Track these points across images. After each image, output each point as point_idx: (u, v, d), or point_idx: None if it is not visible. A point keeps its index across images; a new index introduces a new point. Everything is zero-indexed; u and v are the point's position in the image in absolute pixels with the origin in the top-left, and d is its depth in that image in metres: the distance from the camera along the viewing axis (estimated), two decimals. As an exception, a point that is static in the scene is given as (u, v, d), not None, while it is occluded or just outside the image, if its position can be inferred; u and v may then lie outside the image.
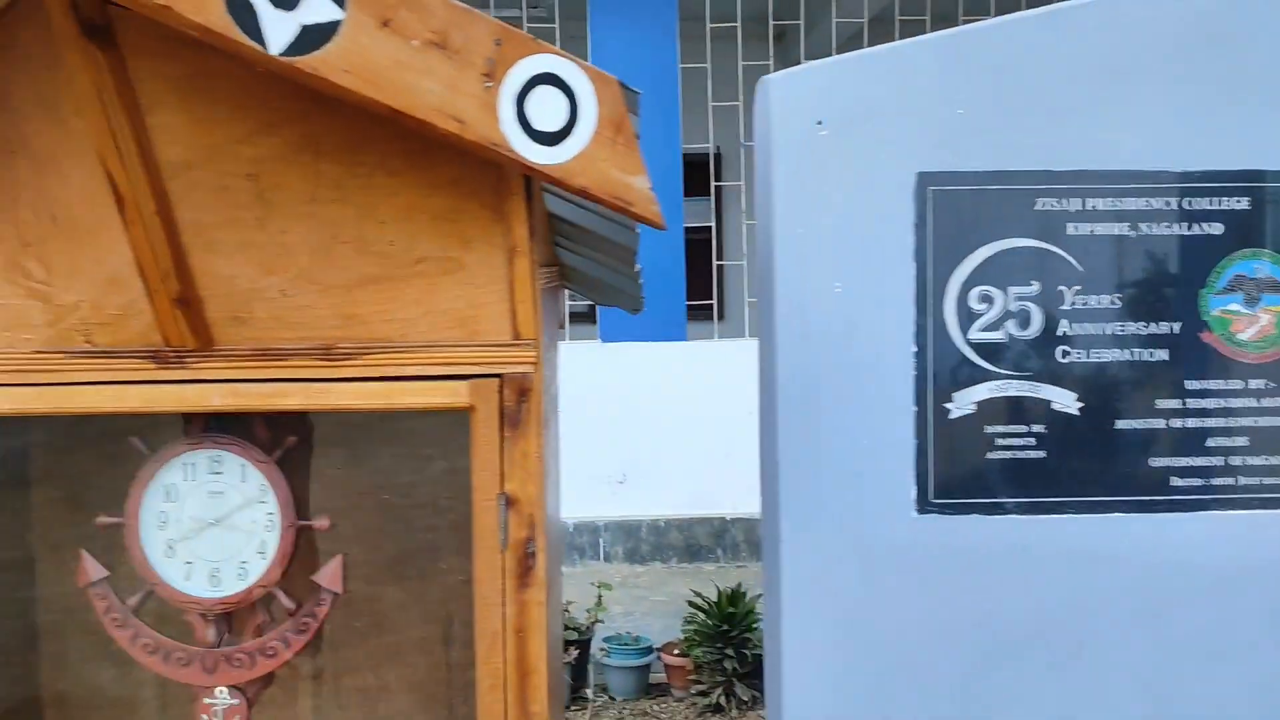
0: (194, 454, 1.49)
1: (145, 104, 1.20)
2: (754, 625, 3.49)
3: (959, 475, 1.36)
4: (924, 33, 4.48)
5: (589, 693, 3.51)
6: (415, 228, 1.33)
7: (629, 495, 5.67)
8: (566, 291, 2.19)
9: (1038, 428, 1.36)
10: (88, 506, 1.55)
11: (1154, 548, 1.36)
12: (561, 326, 2.03)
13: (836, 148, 1.36)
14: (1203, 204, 1.36)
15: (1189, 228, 1.36)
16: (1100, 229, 1.36)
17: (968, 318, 1.36)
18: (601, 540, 5.65)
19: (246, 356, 1.35)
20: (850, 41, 6.44)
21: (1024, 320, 1.36)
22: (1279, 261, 1.36)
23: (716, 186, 5.59)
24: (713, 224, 5.67)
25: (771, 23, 5.37)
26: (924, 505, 1.36)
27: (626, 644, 3.76)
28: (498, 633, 1.39)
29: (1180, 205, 1.35)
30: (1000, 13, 5.06)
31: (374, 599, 1.81)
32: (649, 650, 3.76)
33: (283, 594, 1.49)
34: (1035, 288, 1.36)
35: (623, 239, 1.72)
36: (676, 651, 3.70)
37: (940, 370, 1.36)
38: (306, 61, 1.05)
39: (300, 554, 1.49)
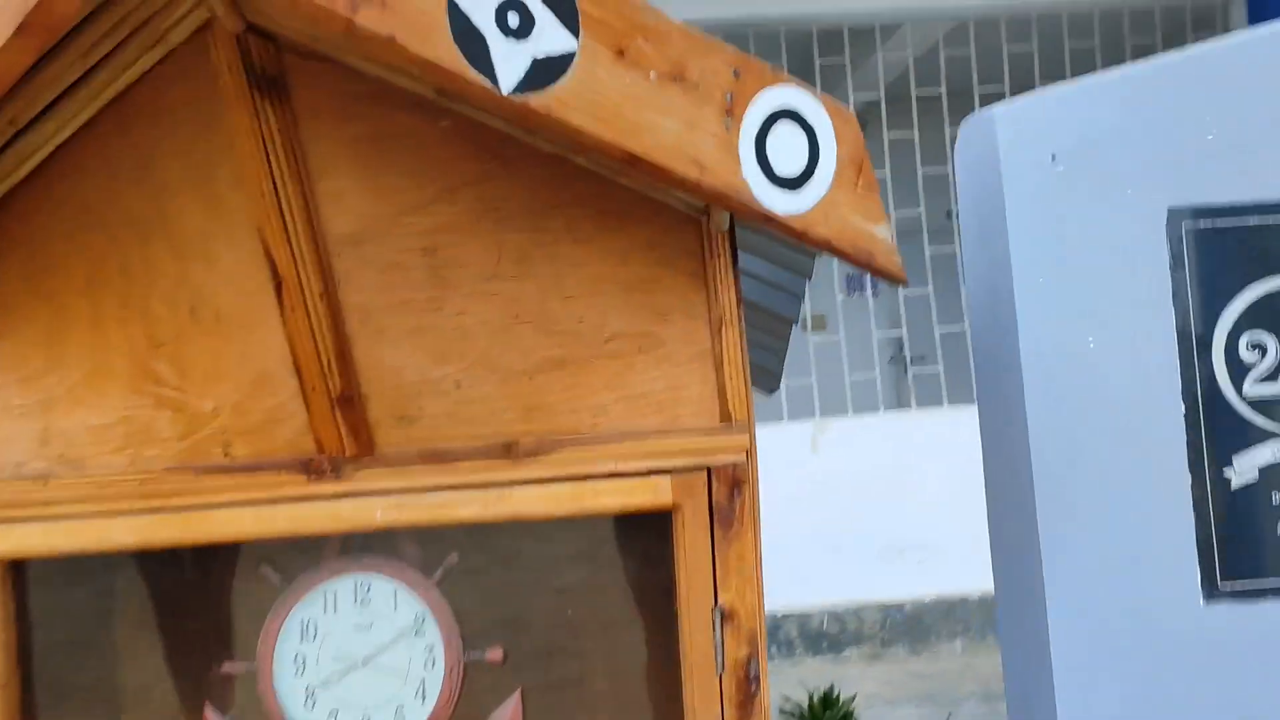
0: (336, 581, 1.28)
1: (316, 170, 1.01)
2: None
3: (1249, 555, 1.17)
4: (941, 109, 4.40)
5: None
6: (606, 301, 1.15)
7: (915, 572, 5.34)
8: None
9: (1337, 492, 1.18)
10: (211, 652, 1.32)
11: None
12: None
13: (1074, 184, 1.20)
14: None
15: None
16: (1382, 260, 1.20)
17: (1240, 369, 1.18)
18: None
19: (413, 461, 1.15)
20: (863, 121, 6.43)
21: (1306, 369, 1.19)
22: None
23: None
24: (929, 288, 5.44)
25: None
26: (1211, 593, 1.17)
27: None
28: (720, 773, 1.17)
29: None
30: (1013, 78, 5.00)
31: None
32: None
33: (452, 743, 1.26)
34: (1314, 331, 1.19)
35: (787, 310, 1.54)
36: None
37: (1214, 432, 1.18)
38: (540, 100, 0.88)
39: (468, 693, 1.27)
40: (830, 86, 6.26)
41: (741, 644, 1.18)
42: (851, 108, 5.88)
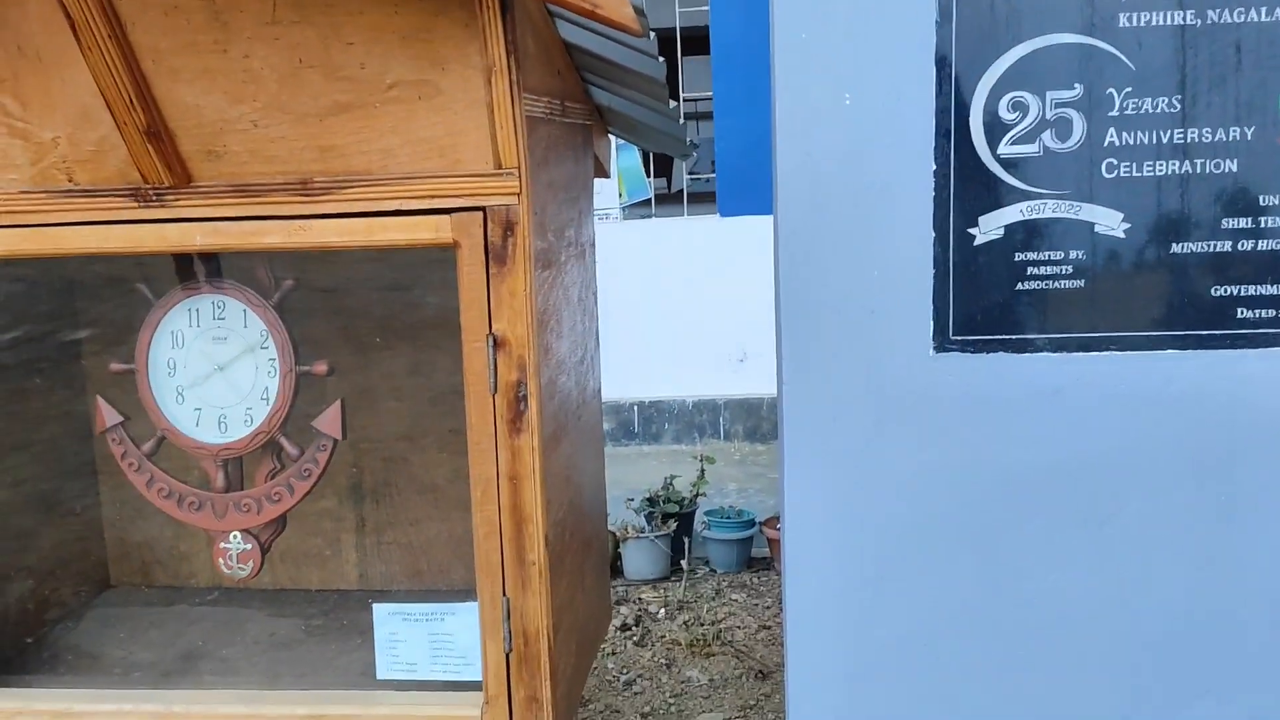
0: (196, 299, 1.48)
1: (82, -84, 1.13)
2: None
3: (983, 309, 1.21)
4: None
5: (684, 564, 3.50)
6: (385, 49, 1.24)
7: (750, 374, 5.57)
8: (615, 140, 2.07)
9: (1076, 254, 1.19)
10: (107, 354, 1.57)
11: (1214, 389, 1.17)
12: (603, 174, 1.92)
13: (846, -63, 1.19)
14: (1291, -19, 1.13)
15: (1269, 13, 1.13)
16: (1159, 18, 1.15)
17: (997, 129, 1.18)
18: (722, 419, 5.60)
19: (224, 193, 1.31)
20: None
21: (1064, 130, 1.17)
22: (1388, 48, 1.12)
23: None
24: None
25: None
26: (942, 343, 1.22)
27: (729, 518, 3.71)
28: (491, 479, 1.34)
29: (1262, -16, 1.13)
30: None
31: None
32: (751, 524, 3.70)
33: (286, 440, 1.47)
34: (1078, 91, 1.17)
35: (646, 68, 1.59)
36: (779, 525, 3.63)
37: (964, 190, 1.20)
38: None
39: (301, 398, 1.47)
40: None
41: (512, 368, 1.32)
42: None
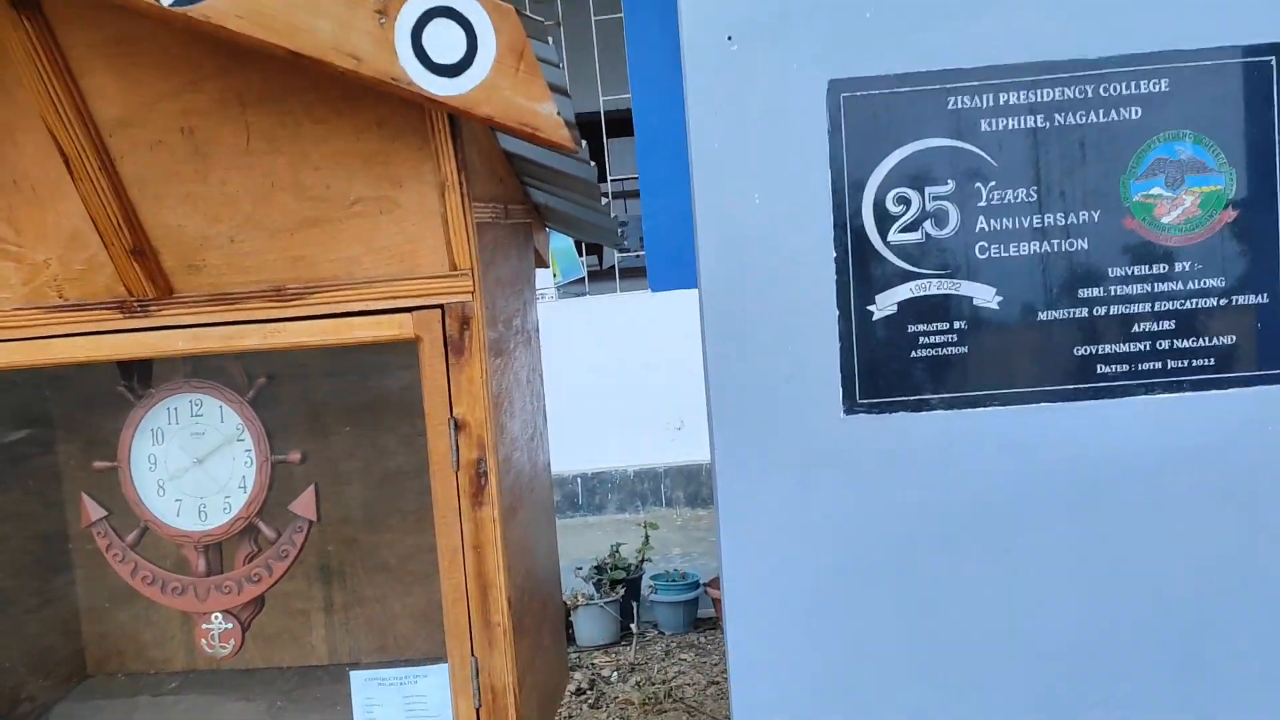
0: (175, 398, 1.60)
1: (77, 69, 1.29)
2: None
3: (884, 375, 1.39)
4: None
5: (633, 627, 3.61)
6: (348, 171, 1.41)
7: (688, 441, 5.73)
8: (550, 231, 2.24)
9: (959, 324, 1.38)
10: (90, 453, 1.68)
11: (1082, 435, 1.36)
12: (543, 264, 2.09)
13: (748, 61, 1.38)
14: (1120, 88, 1.35)
15: (1106, 114, 1.35)
16: (1014, 123, 1.36)
17: (886, 220, 1.38)
18: (663, 486, 5.74)
19: (204, 301, 1.45)
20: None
21: (941, 219, 1.37)
22: (1201, 141, 1.34)
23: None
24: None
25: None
26: (851, 406, 1.40)
27: (674, 581, 3.84)
28: (457, 549, 1.47)
29: (1097, 92, 1.35)
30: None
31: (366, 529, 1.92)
32: (696, 585, 3.83)
33: (264, 524, 1.59)
34: (951, 186, 1.37)
35: (579, 172, 1.77)
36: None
37: (861, 273, 1.39)
38: (199, 10, 1.13)
39: (276, 486, 1.59)
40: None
41: (472, 447, 1.46)
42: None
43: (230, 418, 1.58)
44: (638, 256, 7.28)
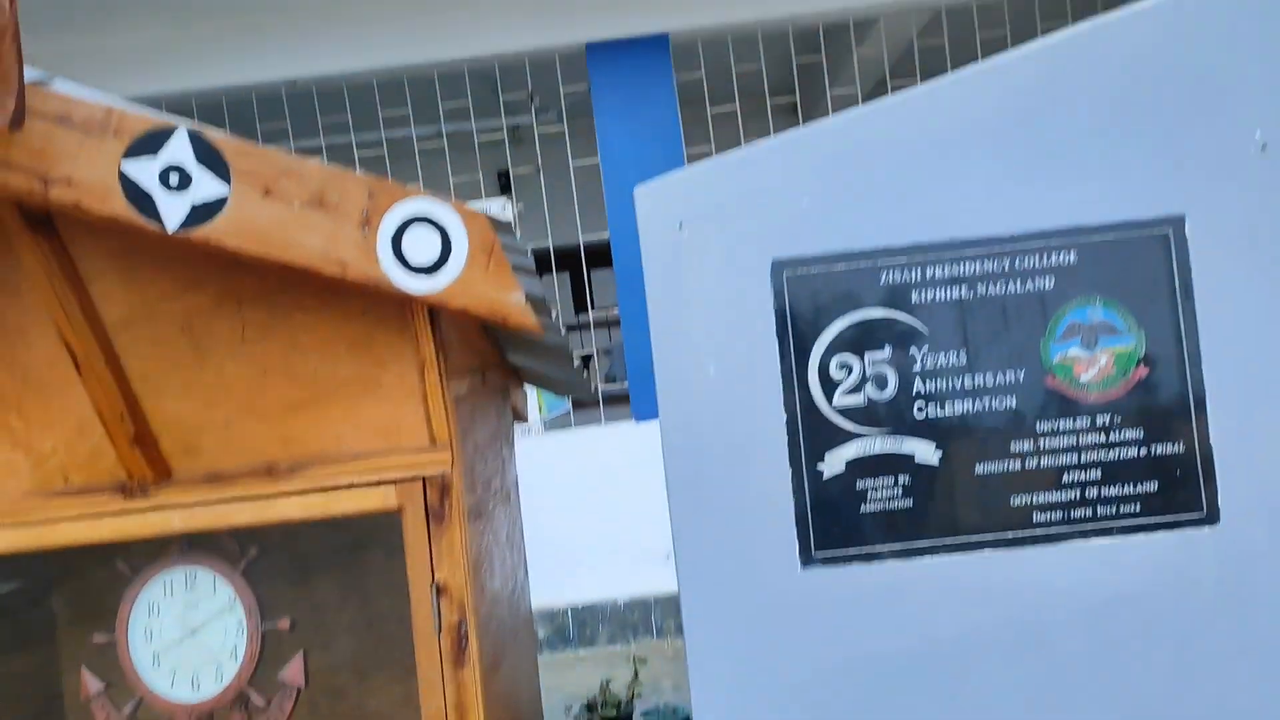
0: (170, 572, 1.69)
1: (86, 275, 1.41)
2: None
3: (837, 530, 1.49)
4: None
5: (626, 767, 3.61)
6: (335, 354, 1.53)
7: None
8: (529, 388, 2.36)
9: (904, 479, 1.48)
10: (90, 626, 1.75)
11: (1022, 580, 1.46)
12: (521, 419, 2.20)
13: (698, 245, 1.52)
14: (1033, 261, 1.49)
15: (1023, 284, 1.49)
16: (941, 294, 1.49)
17: (830, 385, 1.50)
18: (654, 615, 5.75)
19: (200, 482, 1.55)
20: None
21: (881, 382, 1.49)
22: (1110, 305, 1.48)
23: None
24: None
25: (769, 100, 5.58)
26: (807, 560, 1.49)
27: (665, 716, 3.84)
28: (440, 709, 1.54)
29: (1012, 265, 1.49)
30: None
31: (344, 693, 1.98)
32: (687, 719, 3.84)
33: (254, 692, 1.66)
34: (888, 352, 1.49)
35: (550, 340, 1.90)
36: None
37: (810, 435, 1.50)
38: (201, 233, 1.26)
39: (266, 654, 1.67)
40: (812, 84, 6.50)
41: (453, 611, 1.55)
42: (831, 104, 6.12)
43: (223, 589, 1.67)
44: (622, 385, 7.43)
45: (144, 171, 1.23)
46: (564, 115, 5.79)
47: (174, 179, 1.24)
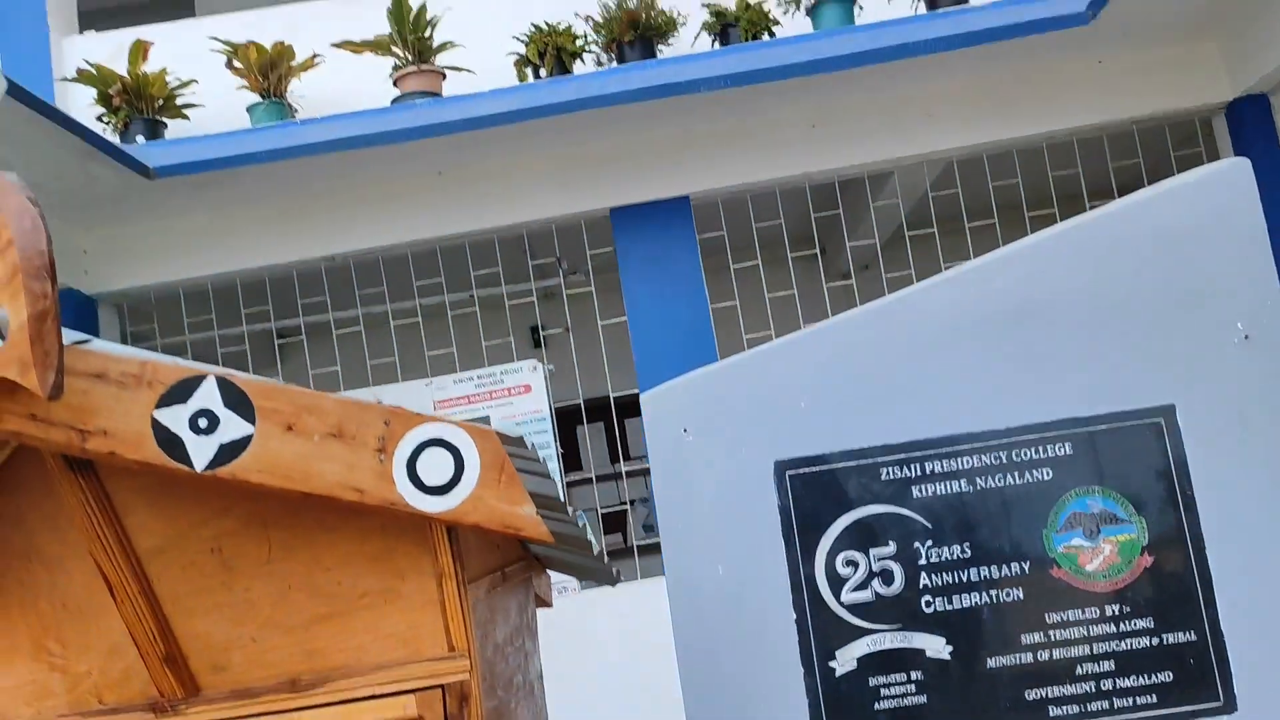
0: (201, 785, 1.71)
1: (121, 509, 1.49)
2: None
3: (854, 729, 1.50)
4: (935, 247, 4.72)
5: None
6: (356, 569, 1.58)
7: (722, 728, 5.63)
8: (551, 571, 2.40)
9: (916, 675, 1.50)
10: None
11: (1044, 778, 1.45)
12: (546, 605, 2.23)
13: (703, 449, 1.58)
14: (1030, 453, 1.53)
15: (1021, 476, 1.52)
16: (942, 488, 1.53)
17: (837, 581, 1.53)
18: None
19: (226, 698, 1.59)
20: (866, 262, 6.79)
21: (887, 578, 1.52)
22: (1109, 495, 1.51)
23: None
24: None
25: (790, 252, 5.72)
26: (825, 761, 1.49)
27: None
28: None
29: (1010, 457, 1.53)
30: (1002, 215, 5.22)
31: None
32: None
33: None
34: (893, 548, 1.53)
35: (569, 531, 1.94)
36: None
37: (820, 632, 1.52)
38: (228, 471, 1.34)
39: None
40: (831, 237, 6.66)
41: (476, 815, 1.55)
42: (851, 255, 6.25)
43: (251, 801, 1.68)
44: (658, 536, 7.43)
45: (175, 418, 1.32)
46: (591, 275, 5.96)
47: (203, 422, 1.33)
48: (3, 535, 1.56)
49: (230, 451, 1.34)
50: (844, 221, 5.91)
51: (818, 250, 5.84)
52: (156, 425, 1.32)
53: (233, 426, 1.35)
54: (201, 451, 1.33)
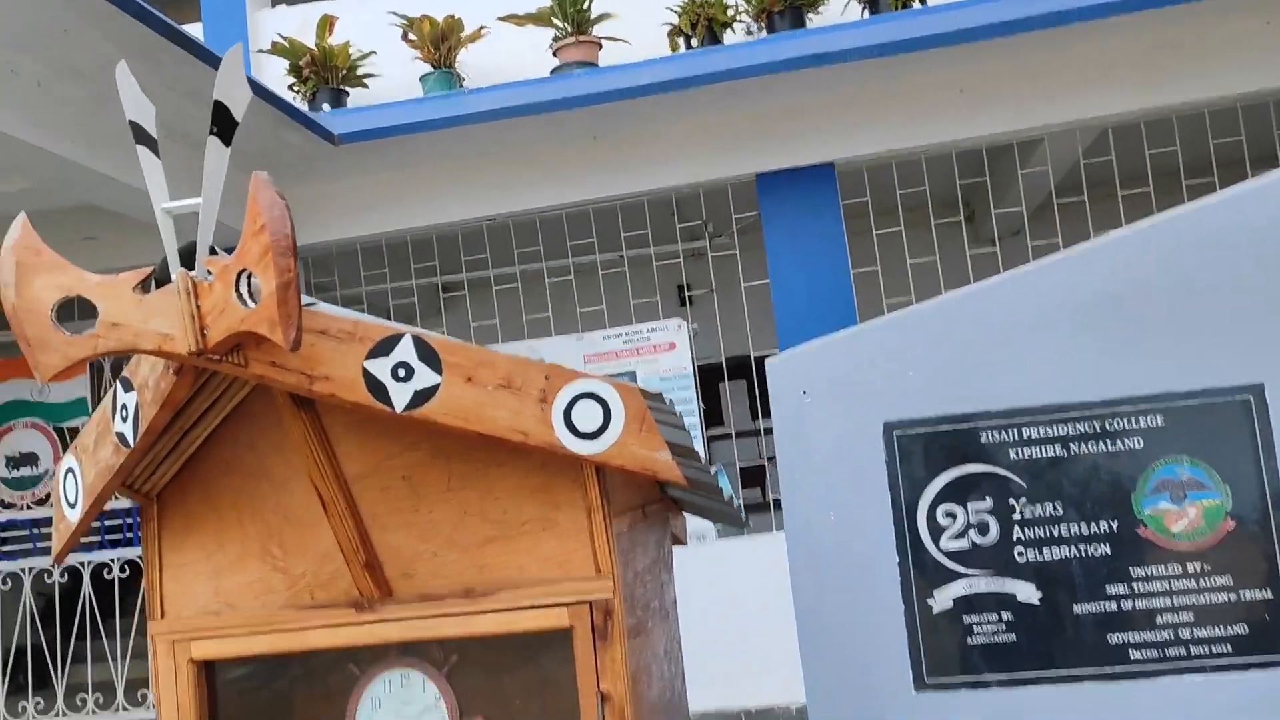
0: (390, 674, 2.05)
1: (333, 439, 1.81)
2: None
3: (947, 658, 1.69)
4: (1085, 215, 4.70)
5: None
6: (521, 499, 1.87)
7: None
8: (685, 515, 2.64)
9: (1007, 615, 1.68)
10: (326, 717, 2.13)
11: (1120, 712, 1.62)
12: (680, 543, 2.48)
13: (820, 409, 1.79)
14: (1123, 424, 1.68)
15: (1113, 444, 1.68)
16: (1038, 451, 1.70)
17: (937, 530, 1.72)
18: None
19: (414, 601, 1.90)
20: (1014, 229, 6.74)
21: (983, 529, 1.71)
22: (1196, 464, 1.65)
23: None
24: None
25: (934, 223, 5.77)
26: (920, 685, 1.70)
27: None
28: (604, 802, 1.81)
29: (1103, 426, 1.68)
30: (1158, 183, 5.14)
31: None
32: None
33: (453, 779, 1.98)
34: (989, 502, 1.71)
35: (702, 478, 2.19)
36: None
37: (920, 574, 1.72)
38: (420, 412, 1.63)
39: (465, 746, 1.99)
40: (978, 201, 6.63)
41: (615, 716, 1.83)
42: (995, 221, 6.23)
43: (430, 688, 2.01)
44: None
45: (381, 368, 1.62)
46: (736, 238, 6.15)
47: (402, 372, 1.62)
48: (239, 457, 1.91)
49: (422, 397, 1.63)
50: (990, 188, 5.90)
51: (962, 217, 5.86)
52: (366, 374, 1.61)
53: (425, 376, 1.63)
54: (401, 396, 1.62)
